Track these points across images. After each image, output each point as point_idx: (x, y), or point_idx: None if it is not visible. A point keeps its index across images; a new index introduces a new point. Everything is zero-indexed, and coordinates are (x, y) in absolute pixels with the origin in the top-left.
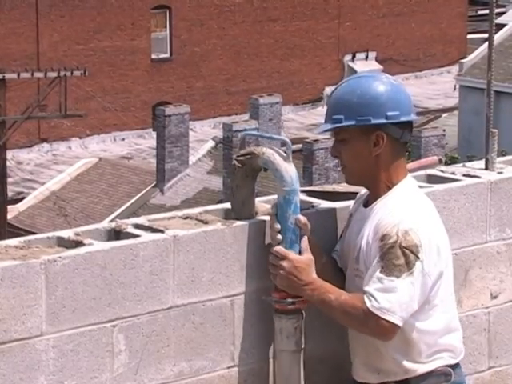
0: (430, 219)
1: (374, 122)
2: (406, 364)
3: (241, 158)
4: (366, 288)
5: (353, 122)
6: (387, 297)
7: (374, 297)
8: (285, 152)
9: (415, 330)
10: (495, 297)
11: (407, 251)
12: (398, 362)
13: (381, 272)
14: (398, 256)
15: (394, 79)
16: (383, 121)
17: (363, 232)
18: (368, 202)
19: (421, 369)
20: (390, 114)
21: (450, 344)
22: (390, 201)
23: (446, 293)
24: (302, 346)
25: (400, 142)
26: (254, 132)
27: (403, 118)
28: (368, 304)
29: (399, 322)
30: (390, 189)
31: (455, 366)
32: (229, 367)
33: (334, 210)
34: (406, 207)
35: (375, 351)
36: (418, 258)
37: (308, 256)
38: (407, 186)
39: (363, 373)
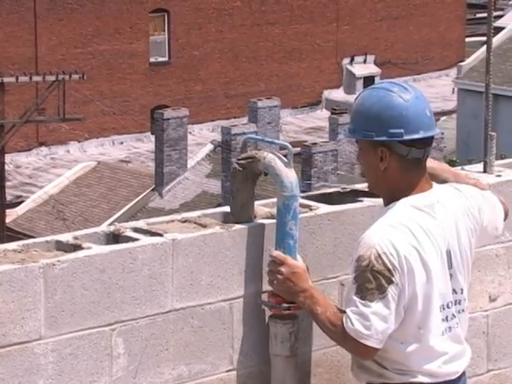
0: (409, 242)
1: (375, 139)
2: (378, 369)
3: (242, 162)
4: (345, 308)
5: (359, 136)
6: (362, 321)
7: (350, 319)
8: (286, 157)
9: (389, 345)
10: (494, 300)
11: (379, 275)
12: (373, 360)
13: (355, 294)
14: (369, 280)
15: (411, 91)
16: (384, 138)
17: None
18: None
19: (392, 379)
20: (392, 131)
21: (428, 369)
22: (381, 216)
23: (424, 321)
24: (297, 352)
25: (408, 159)
26: (256, 136)
27: (407, 137)
28: (344, 324)
29: (376, 345)
30: (390, 203)
31: None
32: (228, 370)
33: (332, 213)
34: (386, 228)
35: None
36: (391, 281)
37: (304, 263)
38: (404, 204)
39: (355, 370)
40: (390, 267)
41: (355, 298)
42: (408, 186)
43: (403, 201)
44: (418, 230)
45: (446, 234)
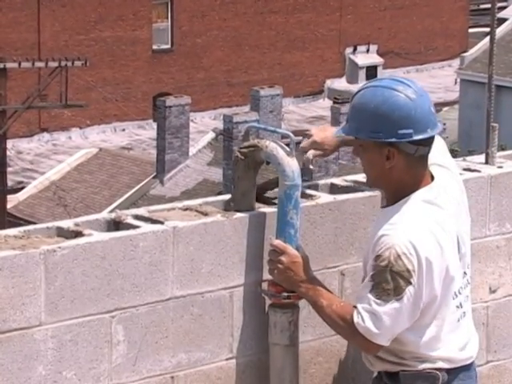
0: (429, 241)
1: (384, 140)
2: (397, 359)
3: (244, 150)
4: (357, 303)
5: (365, 136)
6: (373, 320)
7: (361, 315)
8: (288, 146)
9: (405, 338)
10: (494, 291)
11: (397, 276)
12: (390, 353)
13: (370, 292)
14: (387, 280)
15: (414, 88)
16: (393, 140)
17: (372, 237)
18: (385, 204)
19: (411, 366)
20: (401, 132)
21: (446, 356)
22: (395, 213)
23: (441, 312)
24: (296, 341)
25: (415, 157)
26: (259, 124)
27: (416, 137)
28: (355, 319)
29: (384, 343)
30: (398, 199)
31: (452, 370)
32: (227, 359)
33: (334, 203)
34: (404, 227)
35: None
36: (409, 282)
37: (305, 253)
38: (416, 200)
39: (370, 358)
40: (410, 268)
41: (370, 295)
42: (414, 182)
43: (414, 197)
44: (435, 226)
45: (453, 221)
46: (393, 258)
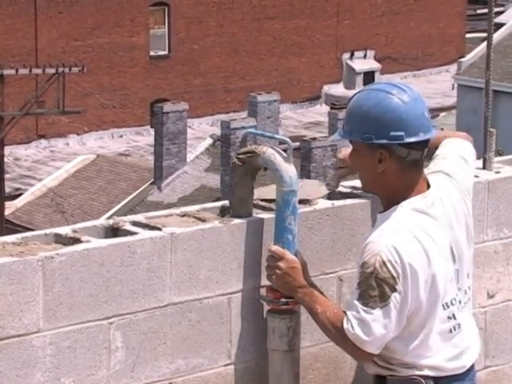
0: (414, 248)
1: (376, 141)
2: (386, 365)
3: (241, 156)
4: (347, 310)
5: (358, 138)
6: (362, 327)
7: (351, 322)
8: (285, 152)
9: (392, 346)
10: (492, 296)
11: (383, 283)
12: (380, 358)
13: (358, 300)
14: (373, 287)
15: (409, 93)
16: (385, 141)
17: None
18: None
19: (398, 372)
20: (392, 134)
21: (433, 365)
22: (385, 220)
23: (428, 321)
24: (295, 346)
25: (407, 161)
26: (256, 130)
27: (408, 140)
28: (345, 326)
29: (374, 351)
30: (391, 206)
31: (441, 379)
32: (225, 365)
33: (331, 208)
34: (391, 234)
35: None
36: (394, 289)
37: (303, 258)
38: (405, 207)
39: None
40: (395, 275)
41: (357, 303)
42: (407, 188)
43: (405, 204)
44: (422, 234)
45: (447, 232)
46: (378, 265)
